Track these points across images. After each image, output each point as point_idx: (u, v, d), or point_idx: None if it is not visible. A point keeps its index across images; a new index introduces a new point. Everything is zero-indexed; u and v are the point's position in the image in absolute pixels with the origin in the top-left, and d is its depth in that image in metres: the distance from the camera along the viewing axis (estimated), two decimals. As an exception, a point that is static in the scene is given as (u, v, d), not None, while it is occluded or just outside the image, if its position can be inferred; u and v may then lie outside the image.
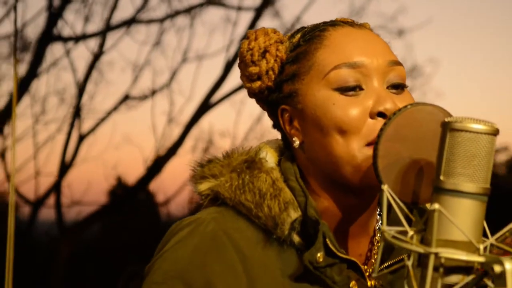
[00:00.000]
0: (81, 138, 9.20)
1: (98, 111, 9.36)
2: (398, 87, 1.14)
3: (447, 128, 0.93)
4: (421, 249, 0.90)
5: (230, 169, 1.13)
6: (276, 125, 1.21)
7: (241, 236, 1.09)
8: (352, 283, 1.10)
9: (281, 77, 1.17)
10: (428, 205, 1.00)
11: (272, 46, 1.18)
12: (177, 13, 9.38)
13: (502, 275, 0.85)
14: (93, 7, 8.90)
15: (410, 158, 1.04)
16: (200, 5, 9.29)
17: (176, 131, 9.05)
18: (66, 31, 8.98)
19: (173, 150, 8.88)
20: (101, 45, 8.83)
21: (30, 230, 8.98)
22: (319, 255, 1.06)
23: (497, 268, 0.86)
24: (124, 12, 8.83)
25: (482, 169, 0.92)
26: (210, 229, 1.09)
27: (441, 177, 0.92)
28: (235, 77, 9.34)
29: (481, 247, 0.90)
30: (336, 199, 1.14)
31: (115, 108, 9.29)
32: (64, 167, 8.90)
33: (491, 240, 0.94)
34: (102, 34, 8.80)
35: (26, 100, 8.86)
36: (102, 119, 9.26)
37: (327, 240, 1.07)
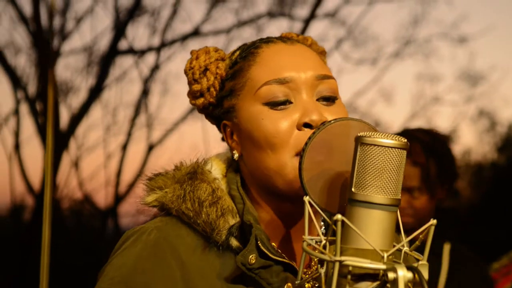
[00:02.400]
0: (150, 148, 9.47)
1: (166, 121, 9.60)
2: (329, 99, 1.19)
3: (358, 142, 0.98)
4: (327, 257, 0.95)
5: (175, 180, 1.21)
6: (223, 139, 1.28)
7: (181, 242, 1.16)
8: (288, 285, 1.15)
9: (222, 93, 1.24)
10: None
11: (212, 64, 1.25)
12: (243, 23, 9.53)
13: (396, 282, 0.90)
14: (160, 20, 9.16)
15: (335, 170, 1.08)
16: (268, 15, 9.41)
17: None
18: (135, 44, 9.28)
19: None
20: (164, 57, 9.06)
21: (101, 238, 9.25)
22: (252, 257, 1.12)
23: (390, 275, 0.91)
24: (187, 25, 9.00)
25: (391, 181, 0.97)
26: (152, 237, 1.16)
27: (353, 189, 0.98)
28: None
29: (385, 255, 0.94)
30: (274, 207, 1.20)
31: (182, 119, 9.50)
32: (135, 177, 9.18)
33: (398, 247, 0.97)
34: (167, 46, 9.02)
35: (97, 111, 9.19)
36: (170, 130, 9.49)
37: (259, 243, 1.12)
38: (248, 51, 1.24)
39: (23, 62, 9.35)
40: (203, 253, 1.16)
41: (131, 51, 9.05)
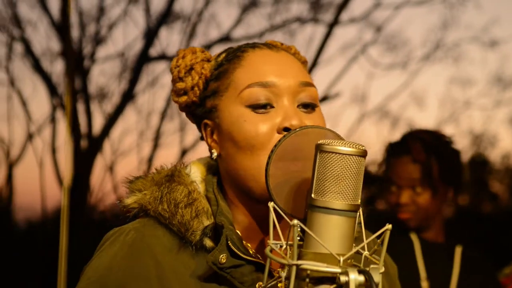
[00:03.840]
0: (183, 152, 9.58)
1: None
2: (308, 106, 1.22)
3: (318, 149, 1.01)
4: (285, 261, 0.98)
5: (154, 183, 1.25)
6: (202, 138, 1.32)
7: (157, 242, 1.21)
8: (259, 284, 1.17)
9: (205, 93, 1.28)
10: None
11: (198, 64, 1.28)
12: (275, 28, 9.58)
13: (347, 284, 0.93)
14: (192, 25, 9.26)
15: (301, 177, 1.11)
16: (299, 21, 9.44)
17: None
18: (168, 50, 9.39)
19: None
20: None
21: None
22: (222, 257, 1.15)
23: (342, 278, 0.94)
24: (219, 30, 9.07)
25: (350, 188, 1.00)
26: (129, 237, 1.21)
27: (313, 195, 1.01)
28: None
29: (341, 259, 0.98)
30: (250, 208, 1.23)
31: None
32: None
33: (353, 251, 1.00)
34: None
35: (133, 116, 9.31)
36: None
37: (229, 243, 1.16)
38: (234, 54, 1.27)
39: (59, 70, 9.55)
40: (178, 253, 1.20)
41: (163, 57, 9.16)
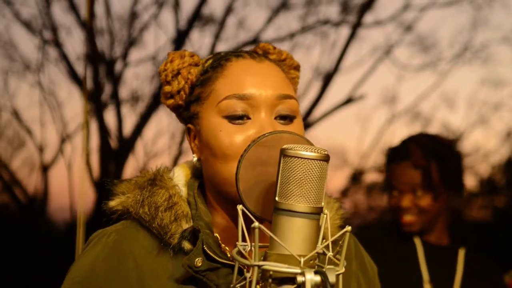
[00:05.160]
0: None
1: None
2: (286, 118, 1.25)
3: (282, 154, 1.05)
4: (248, 262, 1.02)
5: (137, 186, 1.29)
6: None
7: (137, 245, 1.25)
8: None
9: (190, 98, 1.31)
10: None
11: (185, 69, 1.32)
12: (306, 30, 9.59)
13: (304, 285, 0.97)
14: (223, 28, 9.32)
15: (270, 180, 1.15)
16: (329, 23, 9.44)
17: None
18: (200, 53, 9.45)
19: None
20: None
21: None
22: (198, 260, 1.19)
23: (299, 279, 0.97)
24: (250, 32, 9.11)
25: (312, 191, 1.03)
26: (110, 239, 1.26)
27: (277, 198, 1.04)
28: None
29: (302, 260, 1.01)
30: (228, 212, 1.27)
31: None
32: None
33: (314, 252, 1.03)
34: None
35: (163, 117, 9.39)
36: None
37: (204, 246, 1.20)
38: (219, 62, 1.30)
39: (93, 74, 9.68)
40: (158, 255, 1.24)
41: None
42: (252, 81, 1.25)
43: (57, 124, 9.06)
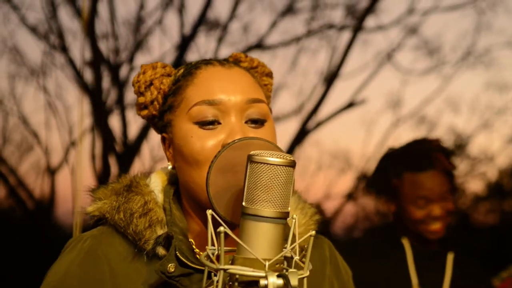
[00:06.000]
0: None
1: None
2: (257, 122, 1.27)
3: (249, 160, 1.07)
4: (214, 266, 1.04)
5: (114, 192, 1.31)
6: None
7: (112, 250, 1.27)
8: None
9: (163, 107, 1.34)
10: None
11: (157, 80, 1.34)
12: (311, 34, 9.61)
13: (266, 288, 0.99)
14: (228, 32, 9.36)
15: (239, 186, 1.16)
16: (334, 27, 9.46)
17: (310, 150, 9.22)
18: (207, 57, 9.45)
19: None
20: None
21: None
22: (170, 266, 1.21)
23: (262, 282, 0.99)
24: (255, 36, 9.15)
25: (278, 196, 1.05)
26: (86, 244, 1.28)
27: (244, 203, 1.06)
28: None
29: (267, 263, 1.03)
30: (201, 218, 1.29)
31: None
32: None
33: (279, 256, 1.05)
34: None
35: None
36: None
37: (177, 252, 1.22)
38: (189, 71, 1.32)
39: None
40: (132, 261, 1.26)
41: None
42: (221, 87, 1.27)
43: (64, 129, 9.12)
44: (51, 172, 9.63)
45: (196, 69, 1.32)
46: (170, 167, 1.33)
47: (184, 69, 1.35)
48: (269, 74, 1.43)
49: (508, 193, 12.12)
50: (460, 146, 11.08)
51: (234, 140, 1.18)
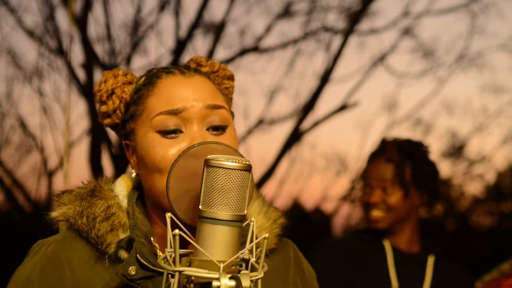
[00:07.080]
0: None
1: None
2: (218, 128, 1.30)
3: (205, 164, 1.09)
4: (169, 268, 1.06)
5: (78, 197, 1.33)
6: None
7: (74, 255, 1.28)
8: None
9: (125, 116, 1.35)
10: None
11: (119, 89, 1.36)
12: (307, 37, 9.63)
13: (219, 289, 1.01)
14: (225, 34, 9.37)
15: (198, 190, 1.18)
16: (331, 30, 9.48)
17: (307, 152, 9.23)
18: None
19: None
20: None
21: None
22: (131, 269, 1.23)
23: (214, 283, 1.01)
24: (251, 39, 9.17)
25: (234, 199, 1.07)
26: (49, 249, 1.29)
27: (200, 206, 1.09)
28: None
29: (222, 265, 1.05)
30: (165, 222, 1.28)
31: (249, 132, 9.64)
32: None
33: (233, 258, 1.07)
34: (231, 61, 9.22)
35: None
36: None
37: (138, 255, 1.24)
38: (150, 79, 1.34)
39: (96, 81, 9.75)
40: (95, 265, 1.27)
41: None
42: (182, 96, 1.29)
43: (60, 131, 9.14)
44: (49, 174, 9.65)
45: (157, 78, 1.33)
46: (133, 174, 1.35)
47: (145, 77, 1.37)
48: (230, 77, 1.44)
49: (506, 195, 12.13)
50: (458, 148, 11.10)
51: (194, 145, 1.20)
